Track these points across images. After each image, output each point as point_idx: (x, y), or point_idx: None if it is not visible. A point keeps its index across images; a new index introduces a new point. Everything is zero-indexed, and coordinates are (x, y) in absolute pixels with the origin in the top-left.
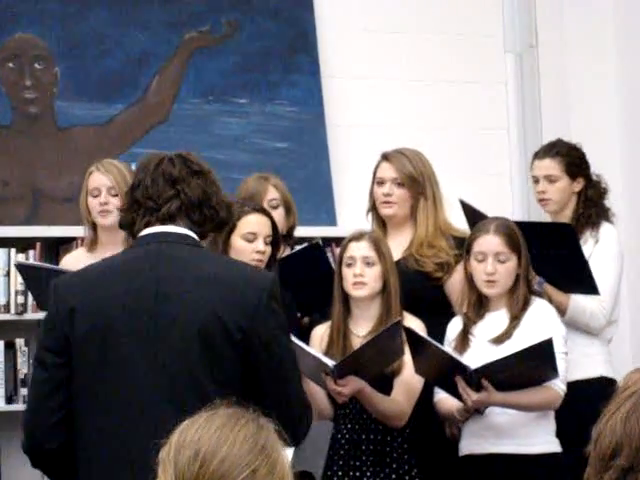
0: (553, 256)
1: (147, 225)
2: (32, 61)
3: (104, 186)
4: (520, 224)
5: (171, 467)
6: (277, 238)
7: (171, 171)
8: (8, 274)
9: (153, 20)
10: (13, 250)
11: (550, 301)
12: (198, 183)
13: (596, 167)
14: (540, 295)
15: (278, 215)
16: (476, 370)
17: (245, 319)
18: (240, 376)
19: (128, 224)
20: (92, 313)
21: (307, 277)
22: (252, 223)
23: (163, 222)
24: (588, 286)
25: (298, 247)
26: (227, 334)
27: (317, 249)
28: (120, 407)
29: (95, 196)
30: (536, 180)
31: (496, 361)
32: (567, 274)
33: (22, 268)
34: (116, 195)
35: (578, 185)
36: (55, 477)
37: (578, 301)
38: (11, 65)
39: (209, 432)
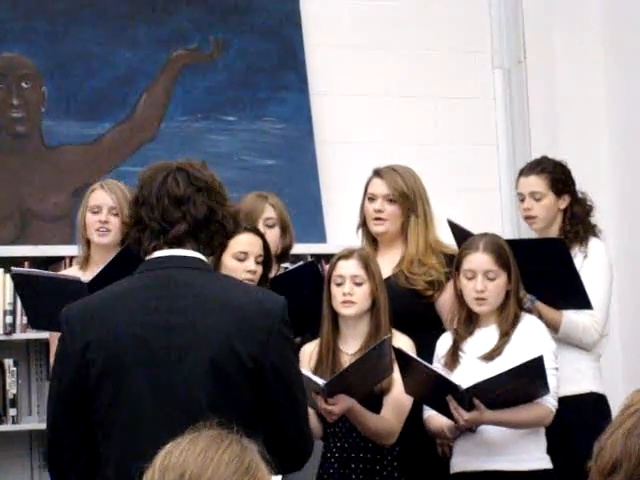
0: (544, 272)
1: (155, 248)
2: (19, 80)
3: (106, 205)
4: (510, 242)
5: None
6: (269, 258)
7: (176, 191)
8: None
9: (140, 38)
10: (1, 270)
11: (542, 318)
12: (203, 200)
13: (584, 182)
14: (531, 312)
15: (273, 234)
16: (467, 389)
17: (257, 347)
18: (253, 404)
19: (134, 242)
20: (106, 346)
21: (301, 295)
22: (243, 242)
23: (171, 246)
24: (581, 301)
25: (289, 265)
26: (240, 363)
27: (312, 268)
28: (135, 441)
29: (95, 212)
30: (522, 198)
31: (487, 380)
32: (559, 290)
33: (18, 277)
34: (117, 215)
35: (564, 202)
36: None
37: (571, 317)
38: None
39: (194, 454)
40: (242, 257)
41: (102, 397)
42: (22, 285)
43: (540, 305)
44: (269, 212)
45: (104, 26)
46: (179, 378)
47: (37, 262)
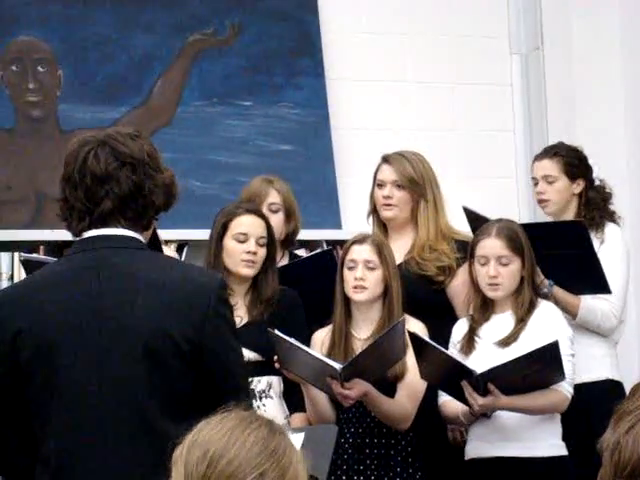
0: (563, 256)
1: (83, 230)
2: (35, 64)
3: None
4: (529, 225)
5: (182, 466)
6: (272, 240)
7: (96, 170)
8: (12, 277)
9: (157, 23)
10: (16, 254)
11: (559, 304)
12: (127, 175)
13: (602, 169)
14: (547, 298)
15: (277, 219)
16: (482, 374)
17: (193, 329)
18: (191, 387)
19: (65, 221)
20: (36, 335)
21: (318, 283)
22: (244, 224)
23: (97, 226)
24: (600, 285)
25: (302, 252)
26: (174, 346)
27: (329, 255)
28: (70, 429)
29: None
30: (535, 182)
31: (502, 365)
32: (578, 273)
33: (27, 263)
34: None
35: (578, 187)
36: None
37: (589, 302)
38: (14, 68)
39: (220, 433)
40: (242, 239)
41: (35, 385)
42: (30, 268)
43: (558, 290)
44: (273, 197)
45: (120, 10)
46: (112, 363)
47: (52, 246)
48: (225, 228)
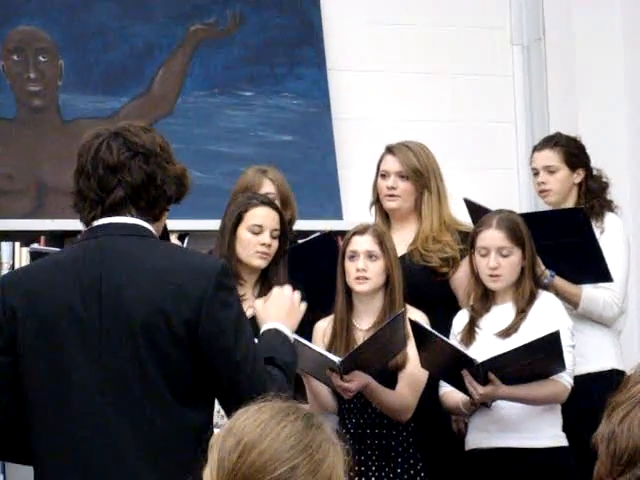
0: (564, 245)
1: (94, 218)
2: (36, 54)
3: None
4: (530, 215)
5: (216, 452)
6: (285, 232)
7: (109, 159)
8: (13, 267)
9: (158, 12)
10: (17, 243)
11: (561, 295)
12: (140, 165)
13: (603, 160)
14: (548, 288)
15: None
16: (483, 363)
17: (189, 312)
18: (190, 371)
19: (78, 212)
20: (37, 315)
21: (317, 267)
22: (259, 216)
23: (109, 214)
24: (601, 273)
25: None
26: (171, 329)
27: (328, 238)
28: (68, 410)
29: None
30: (536, 172)
31: (503, 354)
32: (579, 262)
33: (36, 255)
34: None
35: (578, 176)
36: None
37: (591, 292)
38: (15, 58)
39: (255, 423)
40: (257, 230)
41: (32, 367)
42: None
43: (559, 280)
44: (268, 187)
45: (122, 0)
46: (110, 346)
47: (53, 236)
48: (239, 219)
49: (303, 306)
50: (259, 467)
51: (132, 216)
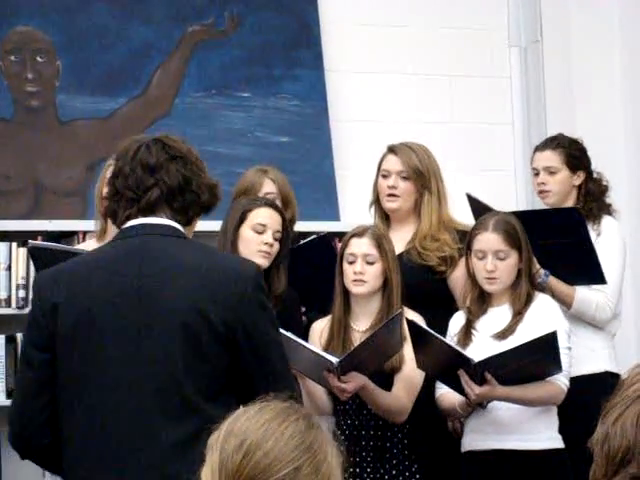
0: (559, 245)
1: (129, 217)
2: (34, 54)
3: None
4: (526, 213)
5: (217, 454)
6: (286, 236)
7: (148, 159)
8: (9, 268)
9: (155, 13)
10: (14, 244)
11: (554, 294)
12: (177, 169)
13: (601, 162)
14: (543, 289)
15: None
16: (479, 363)
17: (228, 311)
18: (225, 370)
19: (112, 215)
20: (75, 311)
21: (314, 269)
22: (263, 215)
23: (144, 213)
24: (595, 274)
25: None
26: (210, 327)
27: (325, 240)
28: (104, 406)
29: None
30: (536, 172)
31: (500, 354)
32: (574, 263)
33: (35, 251)
34: None
35: (578, 179)
36: (47, 468)
37: (584, 293)
38: (13, 58)
39: (257, 424)
40: (260, 229)
41: (71, 364)
42: (39, 258)
43: (553, 280)
44: (268, 187)
45: (119, 1)
46: (149, 345)
47: (50, 236)
48: (243, 218)
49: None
50: (264, 468)
51: (167, 217)
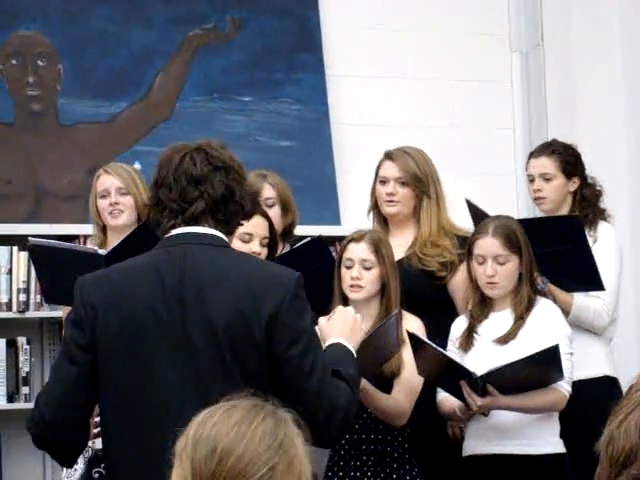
0: (557, 253)
1: (173, 227)
2: (35, 58)
3: (113, 186)
4: (525, 221)
5: (188, 461)
6: (274, 240)
7: (192, 171)
8: (10, 272)
9: (157, 17)
10: (15, 248)
11: (554, 300)
12: (221, 180)
13: (601, 166)
14: (545, 295)
15: (273, 214)
16: (482, 377)
17: (268, 318)
18: (266, 375)
19: (155, 224)
20: (119, 317)
21: (309, 272)
22: (248, 224)
23: (188, 223)
24: (593, 281)
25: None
26: (250, 334)
27: (319, 243)
28: (148, 411)
29: (104, 197)
30: (531, 179)
31: (502, 367)
32: (572, 270)
33: (36, 249)
34: (126, 194)
35: (573, 185)
36: (60, 459)
37: (582, 300)
38: (14, 62)
39: (227, 428)
40: (247, 239)
41: (114, 368)
42: (39, 257)
43: (551, 287)
44: (268, 192)
45: (120, 5)
46: (192, 349)
47: None
48: None
49: (365, 325)
50: (240, 471)
51: (210, 227)
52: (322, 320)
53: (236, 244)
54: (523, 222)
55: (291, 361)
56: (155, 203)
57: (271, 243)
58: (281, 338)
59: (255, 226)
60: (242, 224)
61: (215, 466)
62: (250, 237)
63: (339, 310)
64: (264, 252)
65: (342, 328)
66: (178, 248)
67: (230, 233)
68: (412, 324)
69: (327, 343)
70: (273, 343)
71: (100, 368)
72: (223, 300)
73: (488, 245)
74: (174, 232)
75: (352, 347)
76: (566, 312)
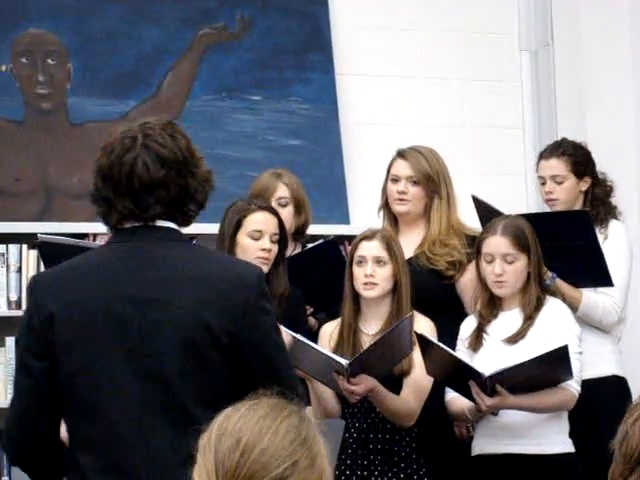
0: (566, 248)
1: (124, 218)
2: (45, 57)
3: None
4: (534, 216)
5: (211, 454)
6: (284, 237)
7: (145, 178)
8: (20, 270)
9: (167, 16)
10: (25, 246)
11: (562, 297)
12: (174, 180)
13: (611, 165)
14: (553, 293)
15: (287, 213)
16: (491, 377)
17: (232, 322)
18: (228, 378)
19: (101, 215)
20: (73, 320)
21: (321, 273)
22: (258, 221)
23: (141, 221)
24: (602, 276)
25: (310, 244)
26: (213, 339)
27: (332, 245)
28: (105, 416)
29: None
30: (543, 181)
31: (511, 368)
32: (581, 265)
33: (44, 245)
34: None
35: (585, 184)
36: (35, 477)
37: (591, 297)
38: (24, 60)
39: (251, 421)
40: (257, 236)
41: (69, 370)
42: (47, 253)
43: (560, 282)
44: (282, 191)
45: (130, 3)
46: (150, 352)
47: None
48: (239, 225)
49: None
50: (262, 465)
51: (165, 219)
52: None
53: (246, 241)
54: (532, 217)
55: (263, 359)
56: (103, 198)
57: (281, 239)
58: (248, 339)
59: (264, 223)
60: (198, 213)
61: (238, 458)
62: (260, 234)
63: None
64: (275, 248)
65: None
66: (134, 243)
67: (187, 223)
68: (423, 325)
69: None
70: (240, 344)
71: (58, 375)
72: (184, 303)
73: (497, 244)
74: (128, 226)
75: None
76: (574, 308)
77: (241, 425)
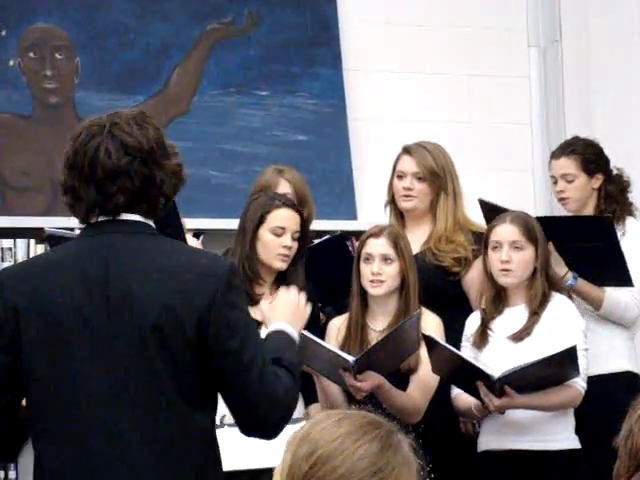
0: (588, 249)
1: (91, 212)
2: (53, 51)
3: None
4: (555, 219)
5: (289, 455)
6: (305, 234)
7: (108, 165)
8: None
9: (175, 11)
10: (32, 240)
11: (584, 297)
12: (138, 170)
13: (620, 162)
14: (578, 292)
15: None
16: (499, 379)
17: (200, 313)
18: (199, 372)
19: (69, 207)
20: (40, 315)
21: (329, 268)
22: (281, 218)
23: (108, 214)
24: (623, 278)
25: (317, 240)
26: (181, 330)
27: (341, 240)
28: (74, 410)
29: None
30: (554, 180)
31: (520, 369)
32: (602, 266)
33: (53, 239)
34: None
35: (597, 181)
36: None
37: (614, 294)
38: (32, 55)
39: (332, 435)
40: (279, 232)
41: (37, 368)
42: (55, 245)
43: (582, 282)
44: (284, 187)
45: None
46: (119, 347)
47: None
48: (262, 220)
49: (308, 307)
50: None
51: (132, 213)
52: (264, 304)
53: (268, 237)
54: (553, 220)
55: (229, 355)
56: (70, 188)
57: (301, 237)
58: (217, 333)
59: (288, 220)
60: (165, 205)
61: (308, 469)
62: (283, 231)
63: (281, 292)
64: (295, 246)
65: (284, 311)
66: (100, 238)
67: (155, 216)
68: (431, 321)
69: (270, 327)
70: (209, 338)
71: (23, 370)
72: (151, 297)
73: (506, 231)
74: (96, 220)
75: (294, 330)
76: (597, 306)
77: (321, 436)
